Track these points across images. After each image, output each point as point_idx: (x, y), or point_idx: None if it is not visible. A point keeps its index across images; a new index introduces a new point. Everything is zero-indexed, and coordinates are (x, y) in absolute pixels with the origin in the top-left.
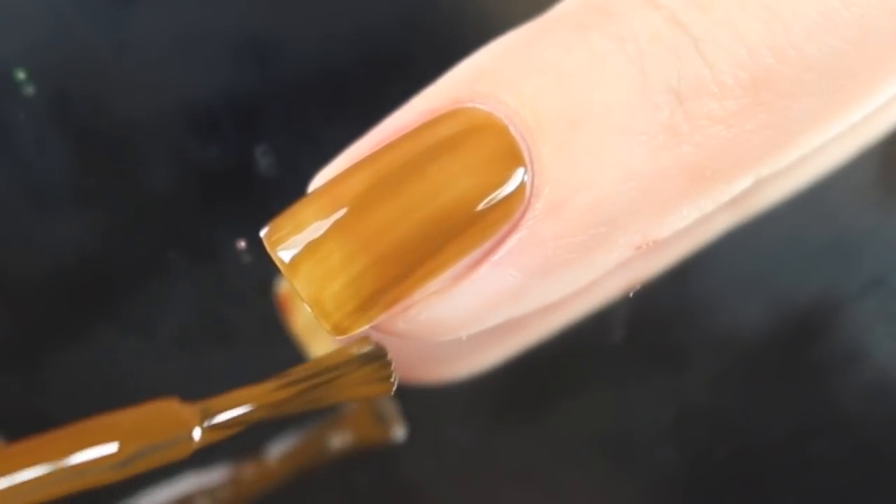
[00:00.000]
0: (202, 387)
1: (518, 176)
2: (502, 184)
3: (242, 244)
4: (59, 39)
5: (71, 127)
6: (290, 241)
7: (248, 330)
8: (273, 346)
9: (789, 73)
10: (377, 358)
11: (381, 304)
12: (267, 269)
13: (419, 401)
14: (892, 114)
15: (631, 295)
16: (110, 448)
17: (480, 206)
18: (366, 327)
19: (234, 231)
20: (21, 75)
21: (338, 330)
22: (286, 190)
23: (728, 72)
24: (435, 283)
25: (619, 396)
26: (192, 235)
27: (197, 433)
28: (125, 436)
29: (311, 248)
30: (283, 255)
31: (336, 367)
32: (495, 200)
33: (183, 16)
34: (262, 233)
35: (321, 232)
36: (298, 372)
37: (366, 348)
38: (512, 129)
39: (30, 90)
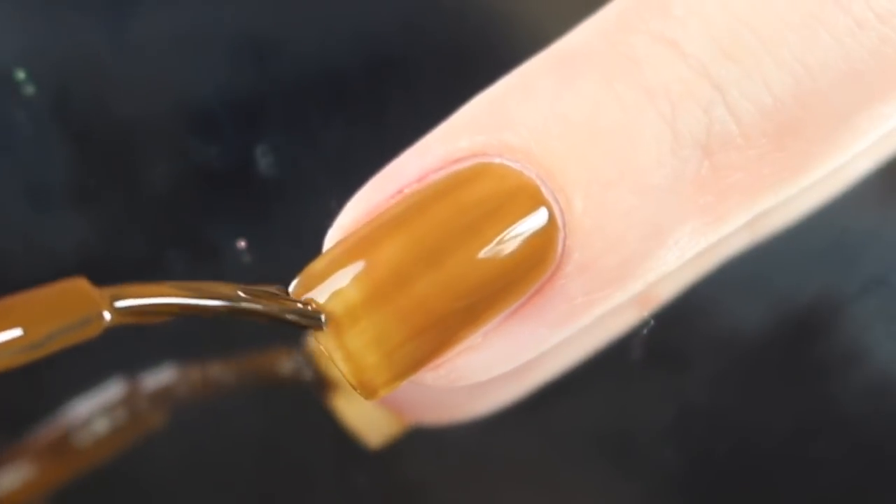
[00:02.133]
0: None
1: (553, 239)
2: (539, 249)
3: (242, 244)
4: (59, 39)
5: (71, 127)
6: (323, 311)
7: (248, 330)
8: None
9: (814, 120)
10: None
11: (415, 368)
12: (267, 268)
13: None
14: None
15: (652, 323)
16: (16, 332)
17: (518, 273)
18: (395, 389)
19: (234, 231)
20: (21, 75)
21: (372, 396)
22: (286, 190)
23: (755, 124)
24: (468, 343)
25: (619, 396)
26: (192, 235)
27: (107, 314)
28: (33, 318)
29: (349, 320)
30: (318, 325)
31: (267, 314)
32: (531, 264)
33: (183, 16)
34: (291, 288)
35: (359, 302)
36: (227, 292)
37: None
38: (544, 191)
39: (30, 90)
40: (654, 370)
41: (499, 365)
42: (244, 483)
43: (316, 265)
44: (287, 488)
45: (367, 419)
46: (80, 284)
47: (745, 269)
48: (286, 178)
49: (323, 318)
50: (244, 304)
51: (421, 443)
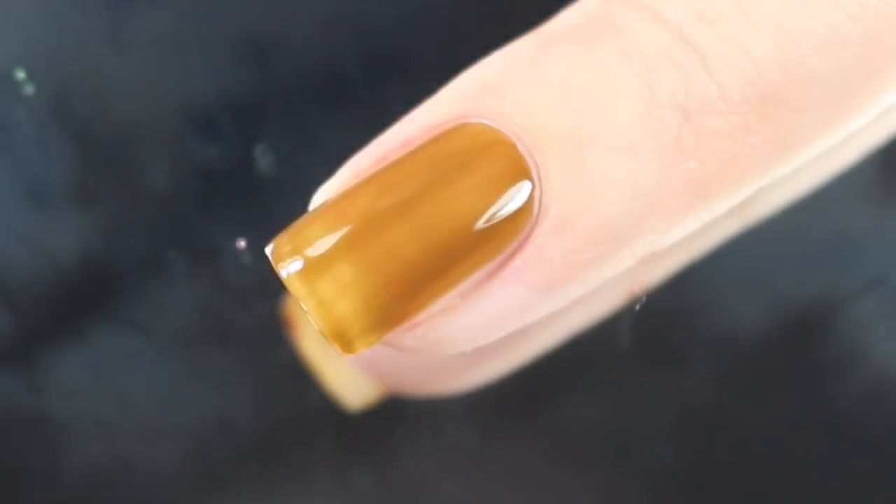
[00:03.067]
0: (202, 387)
1: (526, 193)
2: (511, 201)
3: (242, 244)
4: (59, 39)
5: (71, 126)
6: (297, 257)
7: (248, 330)
8: (273, 346)
9: (796, 88)
10: None
11: (390, 322)
12: (267, 268)
13: (419, 400)
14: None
15: (637, 307)
16: None
17: (489, 224)
18: (372, 345)
19: (234, 231)
20: (21, 75)
21: (347, 348)
22: (286, 190)
23: (735, 88)
24: (443, 301)
25: (619, 396)
26: (192, 235)
27: None
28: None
29: (320, 266)
30: (291, 272)
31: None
32: (503, 218)
33: (183, 16)
34: (268, 249)
35: (330, 249)
36: None
37: None
38: (520, 146)
39: (29, 90)
40: (653, 370)
41: (480, 330)
42: (244, 483)
43: (297, 222)
44: (287, 488)
45: (348, 382)
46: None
47: (745, 269)
48: (286, 178)
49: (299, 265)
50: None
51: (421, 443)
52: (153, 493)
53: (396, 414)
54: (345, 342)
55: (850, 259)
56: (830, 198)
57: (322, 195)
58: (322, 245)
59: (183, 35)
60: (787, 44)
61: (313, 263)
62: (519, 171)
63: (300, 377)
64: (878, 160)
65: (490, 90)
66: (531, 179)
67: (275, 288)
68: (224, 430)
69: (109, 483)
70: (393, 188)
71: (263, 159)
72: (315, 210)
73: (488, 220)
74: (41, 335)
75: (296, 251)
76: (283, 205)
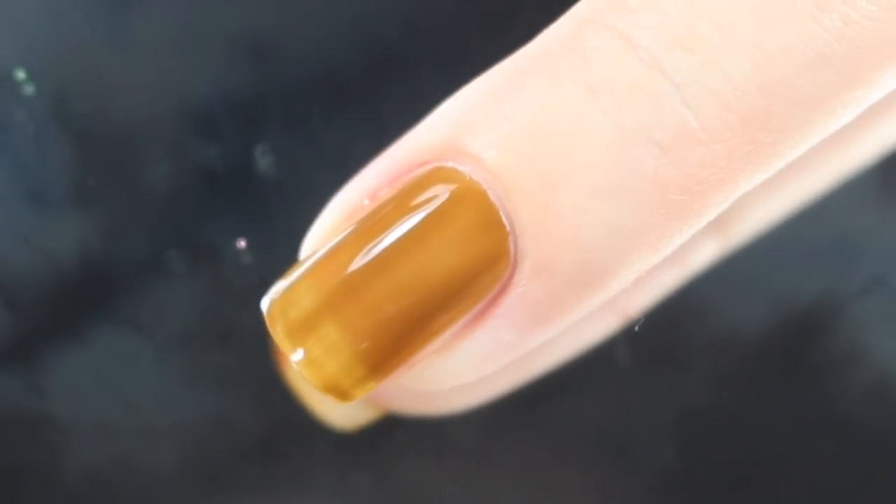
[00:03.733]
0: (202, 386)
1: (501, 242)
2: (487, 252)
3: (242, 244)
4: (59, 39)
5: (71, 126)
6: (288, 320)
7: (248, 330)
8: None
9: (780, 109)
10: None
11: (382, 371)
12: (267, 269)
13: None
14: (880, 139)
15: (636, 329)
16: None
17: (467, 277)
18: (371, 391)
19: (234, 231)
20: (21, 75)
21: (344, 399)
22: (286, 190)
23: (715, 116)
24: (434, 345)
25: (619, 397)
26: (192, 235)
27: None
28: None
29: (306, 328)
30: (279, 333)
31: None
32: (480, 270)
33: (182, 16)
34: (263, 307)
35: (313, 312)
36: None
37: None
38: (491, 194)
39: (29, 90)
40: (653, 370)
41: (473, 367)
42: (244, 483)
43: (287, 281)
44: (286, 489)
45: (340, 407)
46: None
47: (745, 270)
48: (286, 178)
49: (287, 326)
50: None
51: (421, 443)
52: (153, 493)
53: (396, 416)
54: (340, 394)
55: (849, 260)
56: (830, 198)
57: (309, 243)
58: (305, 307)
59: (182, 36)
60: (769, 65)
61: (299, 325)
62: (492, 220)
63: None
64: (876, 162)
65: (463, 131)
66: (504, 229)
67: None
68: (224, 430)
69: (109, 483)
70: (368, 246)
71: (263, 159)
72: (301, 269)
73: (466, 272)
74: (41, 335)
75: (283, 313)
76: (283, 205)
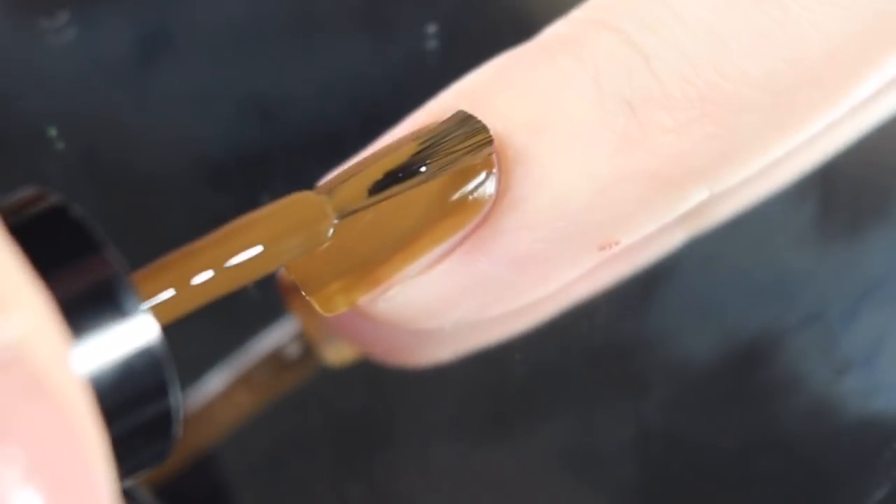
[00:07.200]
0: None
1: (485, 176)
2: (471, 182)
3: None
4: (87, 99)
5: (96, 178)
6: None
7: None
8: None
9: (732, 88)
10: (473, 126)
11: (364, 285)
12: (275, 307)
13: (409, 420)
14: (832, 139)
15: (591, 321)
16: (256, 250)
17: (452, 201)
18: (351, 306)
19: None
20: (52, 132)
21: (325, 307)
22: None
23: (676, 85)
24: (412, 269)
25: (585, 418)
26: None
27: (335, 220)
28: (270, 235)
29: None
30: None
31: (441, 133)
32: (466, 197)
33: (197, 80)
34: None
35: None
36: (409, 137)
37: (462, 119)
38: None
39: (60, 145)
40: (616, 394)
41: (447, 299)
42: (239, 494)
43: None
44: (283, 500)
45: (332, 344)
46: (308, 197)
47: (697, 303)
48: None
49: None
50: (430, 140)
51: (410, 457)
52: (153, 498)
53: (386, 433)
54: (323, 302)
55: (790, 297)
56: (772, 240)
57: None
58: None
59: (197, 96)
60: (722, 48)
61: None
62: (486, 164)
63: (298, 391)
64: (815, 205)
65: (465, 96)
66: (492, 165)
67: (280, 317)
68: (221, 441)
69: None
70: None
71: None
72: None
73: (451, 195)
74: None
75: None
76: None
